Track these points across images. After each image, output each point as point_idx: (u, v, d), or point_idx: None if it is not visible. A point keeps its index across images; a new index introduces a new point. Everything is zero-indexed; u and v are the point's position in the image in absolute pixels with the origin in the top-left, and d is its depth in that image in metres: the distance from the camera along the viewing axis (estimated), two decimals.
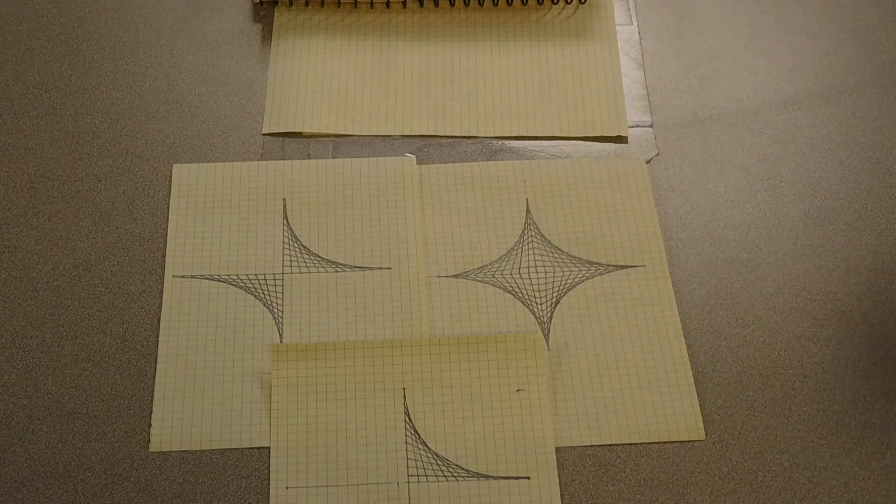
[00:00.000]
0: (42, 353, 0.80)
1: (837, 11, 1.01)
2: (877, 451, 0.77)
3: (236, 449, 0.76)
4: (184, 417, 0.77)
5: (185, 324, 0.81)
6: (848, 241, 0.87)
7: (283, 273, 0.84)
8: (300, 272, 0.84)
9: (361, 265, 0.85)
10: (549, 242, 0.86)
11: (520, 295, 0.84)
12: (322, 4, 1.00)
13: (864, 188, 0.90)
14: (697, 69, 0.97)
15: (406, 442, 0.76)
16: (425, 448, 0.76)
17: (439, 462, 0.76)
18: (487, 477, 0.75)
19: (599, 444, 0.77)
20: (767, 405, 0.79)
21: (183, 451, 0.76)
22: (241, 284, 0.84)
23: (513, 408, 0.78)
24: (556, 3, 1.01)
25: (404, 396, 0.78)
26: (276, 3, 1.00)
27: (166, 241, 0.86)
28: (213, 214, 0.87)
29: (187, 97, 0.94)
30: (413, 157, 0.91)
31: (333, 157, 0.91)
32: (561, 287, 0.84)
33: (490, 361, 0.80)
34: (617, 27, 1.00)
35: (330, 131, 0.93)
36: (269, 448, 0.76)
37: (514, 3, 1.00)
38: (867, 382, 0.80)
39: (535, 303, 0.83)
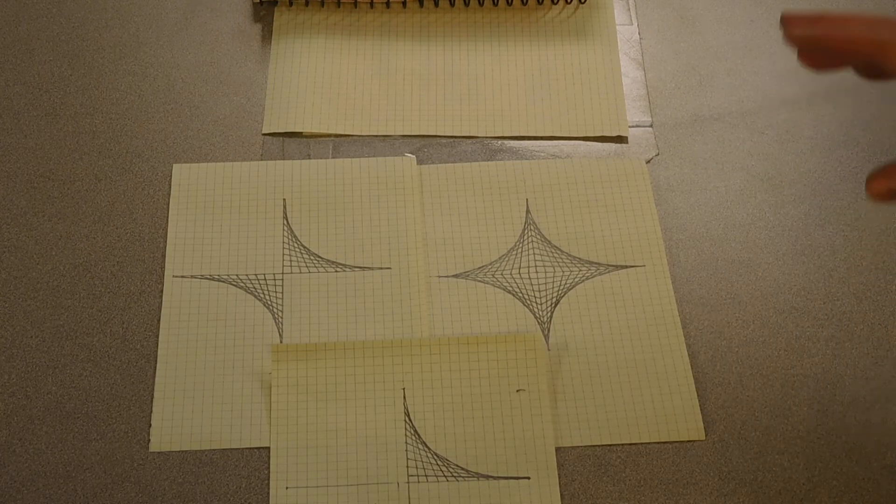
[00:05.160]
0: (42, 353, 0.80)
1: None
2: (877, 451, 0.77)
3: (236, 449, 0.76)
4: (184, 417, 0.77)
5: (185, 324, 0.81)
6: (848, 241, 0.87)
7: (283, 273, 0.84)
8: (300, 272, 0.84)
9: (361, 265, 0.85)
10: (549, 242, 0.86)
11: (520, 295, 0.84)
12: (322, 4, 1.00)
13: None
14: (697, 69, 0.98)
15: (406, 442, 0.76)
16: (425, 448, 0.76)
17: (439, 462, 0.76)
18: (487, 477, 0.75)
19: (599, 444, 0.77)
20: (767, 405, 0.79)
21: (183, 451, 0.76)
22: (241, 284, 0.84)
23: (513, 408, 0.78)
24: (556, 3, 1.01)
25: (404, 396, 0.78)
26: (276, 3, 1.00)
27: (166, 241, 0.86)
28: (213, 214, 0.87)
29: (187, 97, 0.94)
30: (413, 157, 0.91)
31: (333, 157, 0.91)
32: (561, 287, 0.84)
33: (490, 361, 0.80)
34: (617, 27, 1.00)
35: (330, 131, 0.93)
36: (269, 448, 0.76)
37: (514, 3, 1.00)
38: (867, 382, 0.80)
39: (535, 303, 0.83)
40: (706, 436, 0.78)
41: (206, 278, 0.84)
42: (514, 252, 0.86)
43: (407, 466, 0.75)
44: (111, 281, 0.84)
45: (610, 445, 0.77)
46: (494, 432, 0.77)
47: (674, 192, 0.90)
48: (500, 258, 0.86)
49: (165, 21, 0.99)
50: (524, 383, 0.79)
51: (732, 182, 0.90)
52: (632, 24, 1.01)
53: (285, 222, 0.87)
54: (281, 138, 0.92)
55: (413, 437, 0.77)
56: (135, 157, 0.91)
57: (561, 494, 0.75)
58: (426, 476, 0.75)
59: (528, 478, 0.75)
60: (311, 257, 0.85)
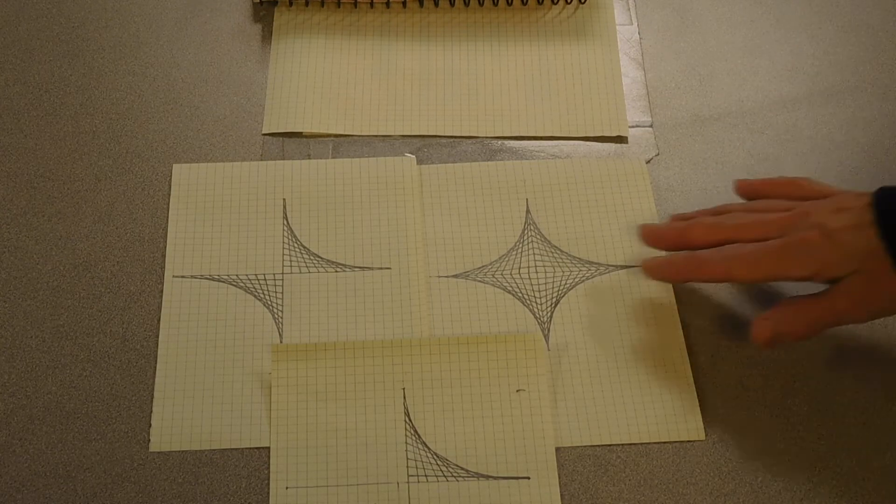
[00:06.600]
0: (42, 353, 0.80)
1: (837, 11, 1.01)
2: (877, 451, 0.77)
3: (236, 449, 0.76)
4: (184, 417, 0.77)
5: (185, 324, 0.81)
6: None
7: (283, 273, 0.84)
8: (300, 272, 0.84)
9: (361, 265, 0.85)
10: (549, 242, 0.86)
11: (520, 295, 0.84)
12: (322, 4, 1.00)
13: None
14: (697, 69, 0.97)
15: (406, 442, 0.76)
16: (425, 448, 0.76)
17: (439, 462, 0.76)
18: (487, 477, 0.75)
19: (599, 444, 0.77)
20: (767, 405, 0.79)
21: (183, 451, 0.76)
22: (241, 284, 0.84)
23: (513, 408, 0.78)
24: (556, 3, 1.01)
25: (404, 396, 0.78)
26: (276, 3, 1.00)
27: (166, 241, 0.86)
28: (213, 214, 0.87)
29: (187, 97, 0.94)
30: (413, 157, 0.91)
31: (333, 157, 0.91)
32: (561, 287, 0.84)
33: (490, 361, 0.79)
34: (617, 27, 1.00)
35: (330, 131, 0.93)
36: (269, 448, 0.76)
37: (514, 3, 1.00)
38: (867, 382, 0.80)
39: (535, 303, 0.83)
40: (706, 436, 0.78)
41: (206, 278, 0.84)
42: (514, 252, 0.86)
43: (407, 466, 0.75)
44: (111, 281, 0.84)
45: (610, 445, 0.77)
46: (494, 432, 0.77)
47: (674, 192, 0.90)
48: (499, 258, 0.86)
49: (165, 21, 0.99)
50: (524, 383, 0.79)
51: (732, 182, 0.90)
52: (632, 24, 1.01)
53: (285, 222, 0.87)
54: (281, 138, 0.92)
55: (413, 437, 0.77)
56: (135, 157, 0.91)
57: (561, 494, 0.75)
58: (426, 476, 0.75)
59: (528, 478, 0.75)
60: (311, 257, 0.85)
